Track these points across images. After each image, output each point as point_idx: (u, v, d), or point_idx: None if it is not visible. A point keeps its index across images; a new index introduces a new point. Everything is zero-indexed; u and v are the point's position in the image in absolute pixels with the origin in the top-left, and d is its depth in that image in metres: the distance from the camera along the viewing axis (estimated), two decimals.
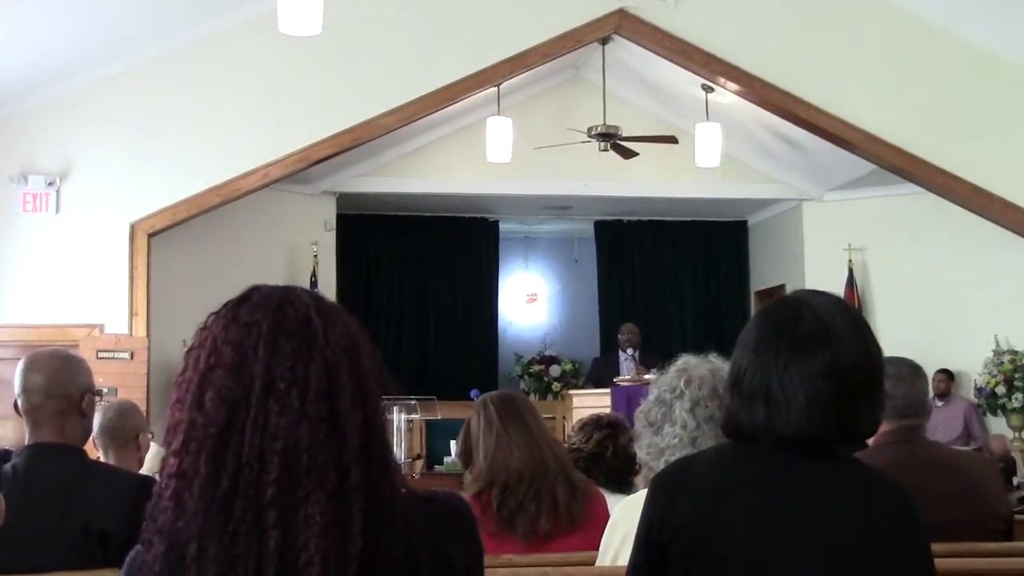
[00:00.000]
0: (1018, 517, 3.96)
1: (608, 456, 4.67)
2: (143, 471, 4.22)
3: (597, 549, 3.32)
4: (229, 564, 1.53)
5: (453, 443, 10.96)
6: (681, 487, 2.16)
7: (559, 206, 13.70)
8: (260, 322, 1.63)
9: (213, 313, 1.69)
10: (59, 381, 3.18)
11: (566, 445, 4.68)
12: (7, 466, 3.10)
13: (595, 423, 4.83)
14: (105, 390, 3.48)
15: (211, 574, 1.53)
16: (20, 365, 3.23)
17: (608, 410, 10.25)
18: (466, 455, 3.98)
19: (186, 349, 1.68)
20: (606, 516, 3.67)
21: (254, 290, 1.70)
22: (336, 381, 1.61)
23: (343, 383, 1.62)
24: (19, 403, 3.18)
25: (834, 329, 2.15)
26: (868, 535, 2.06)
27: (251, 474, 1.55)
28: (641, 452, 3.17)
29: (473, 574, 1.76)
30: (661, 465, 2.87)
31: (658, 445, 2.99)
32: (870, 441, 3.56)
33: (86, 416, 3.22)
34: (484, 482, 3.79)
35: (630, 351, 11.83)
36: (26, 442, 3.16)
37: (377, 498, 1.61)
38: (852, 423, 2.14)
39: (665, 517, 2.13)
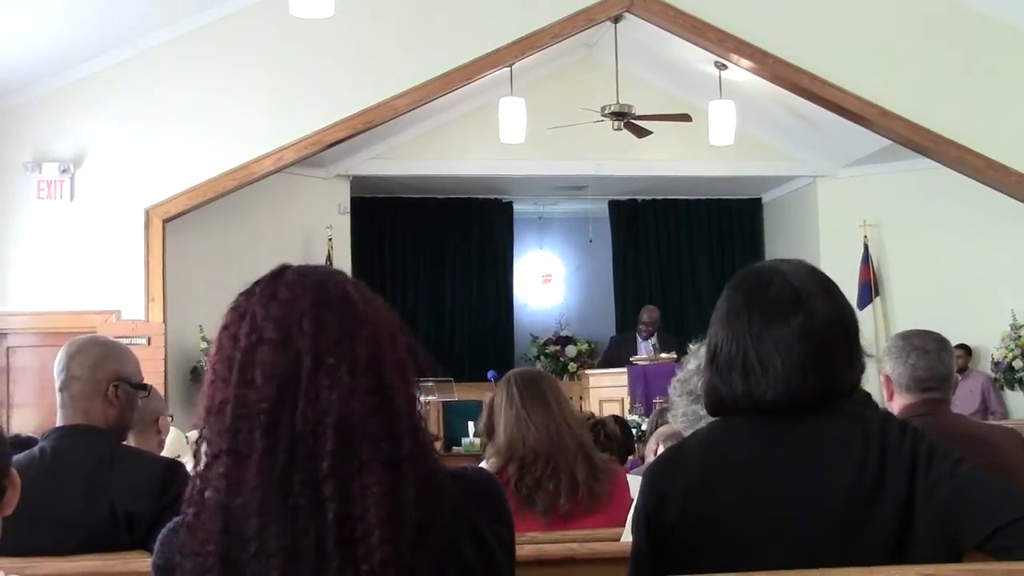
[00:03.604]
0: None
1: (602, 439, 4.96)
2: (163, 454, 4.23)
3: (620, 528, 3.33)
4: (292, 538, 1.54)
5: (471, 424, 11.01)
6: (672, 476, 2.16)
7: (573, 186, 13.68)
8: (301, 297, 1.64)
9: (243, 292, 1.70)
10: (88, 366, 3.19)
11: None
12: (35, 448, 3.12)
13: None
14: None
15: (274, 548, 1.54)
16: (62, 348, 3.25)
17: (625, 390, 10.29)
18: (488, 430, 4.04)
19: (220, 327, 1.69)
20: (628, 496, 3.68)
21: (285, 268, 1.72)
22: (381, 353, 1.64)
23: (387, 356, 1.64)
24: (56, 385, 3.21)
25: (804, 291, 2.14)
26: (857, 483, 2.03)
27: (306, 448, 1.56)
28: (675, 421, 3.18)
29: (505, 547, 1.77)
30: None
31: (697, 413, 2.98)
32: (895, 413, 3.56)
33: (115, 403, 3.23)
34: (503, 457, 3.83)
35: (650, 341, 11.78)
36: (57, 423, 3.18)
37: (428, 468, 1.64)
38: (830, 383, 2.12)
39: (660, 507, 2.13)
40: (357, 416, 1.58)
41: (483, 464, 3.88)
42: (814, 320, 2.11)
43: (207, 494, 1.60)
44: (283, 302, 1.64)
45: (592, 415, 5.39)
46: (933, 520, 2.00)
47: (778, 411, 2.11)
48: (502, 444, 3.88)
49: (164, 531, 1.69)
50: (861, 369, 2.19)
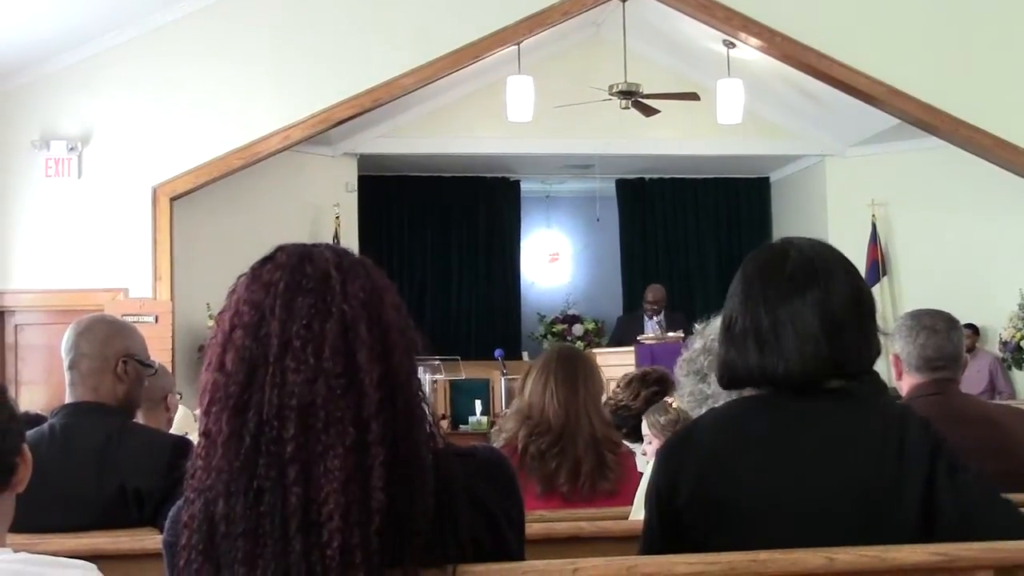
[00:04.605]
0: None
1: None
2: (171, 431, 4.24)
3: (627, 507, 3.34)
4: (256, 520, 1.55)
5: (478, 403, 10.99)
6: (686, 454, 2.16)
7: (580, 165, 13.65)
8: (278, 281, 1.64)
9: (242, 275, 1.71)
10: (98, 343, 3.20)
11: (611, 401, 4.68)
12: (44, 425, 3.13)
13: (642, 379, 4.86)
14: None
15: (239, 531, 1.55)
16: (70, 327, 3.27)
17: (632, 369, 10.25)
18: (520, 388, 4.16)
19: (220, 310, 1.70)
20: (636, 480, 3.69)
21: (279, 249, 1.72)
22: (354, 336, 1.62)
23: (361, 338, 1.62)
24: (64, 363, 3.23)
25: (821, 266, 2.14)
26: (873, 471, 2.02)
27: (272, 432, 1.56)
28: (682, 401, 3.17)
29: (514, 526, 1.77)
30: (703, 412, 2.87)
31: (704, 392, 2.98)
32: (903, 393, 3.55)
33: (124, 379, 3.24)
34: (520, 415, 3.92)
35: (656, 319, 11.76)
36: (66, 401, 3.20)
37: (406, 451, 1.62)
38: (845, 359, 2.12)
39: (673, 485, 2.12)
40: (321, 400, 1.57)
41: (497, 430, 3.97)
42: (830, 294, 2.11)
43: (194, 475, 1.62)
44: (262, 285, 1.65)
45: (648, 373, 5.01)
46: (956, 525, 1.99)
47: (792, 386, 2.11)
48: (524, 403, 3.97)
49: (174, 508, 1.71)
50: (877, 350, 2.19)
